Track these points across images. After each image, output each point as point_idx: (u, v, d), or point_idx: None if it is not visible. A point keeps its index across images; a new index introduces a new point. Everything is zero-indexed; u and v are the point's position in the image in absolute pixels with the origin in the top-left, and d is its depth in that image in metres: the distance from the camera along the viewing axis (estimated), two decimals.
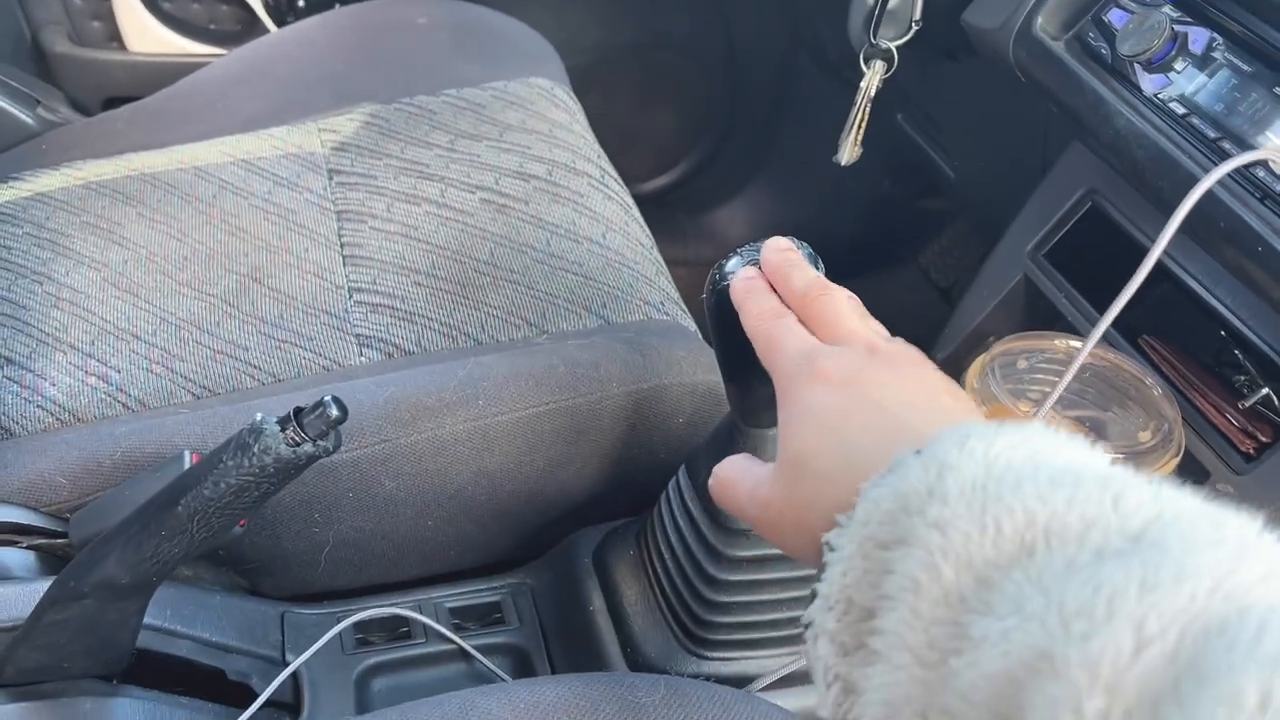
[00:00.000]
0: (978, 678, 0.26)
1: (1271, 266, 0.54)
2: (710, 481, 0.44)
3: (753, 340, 0.46)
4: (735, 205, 1.64)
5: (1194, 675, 0.23)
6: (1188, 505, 0.29)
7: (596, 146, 1.08)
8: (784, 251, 0.49)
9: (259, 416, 0.53)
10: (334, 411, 0.53)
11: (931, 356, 0.84)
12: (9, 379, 0.79)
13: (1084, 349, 0.56)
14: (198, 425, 0.72)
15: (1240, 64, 0.60)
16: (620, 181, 1.04)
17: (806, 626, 0.34)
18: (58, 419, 0.77)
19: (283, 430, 0.53)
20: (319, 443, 0.53)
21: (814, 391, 0.40)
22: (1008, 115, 0.84)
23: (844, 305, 0.45)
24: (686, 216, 1.64)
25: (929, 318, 1.50)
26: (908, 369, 0.41)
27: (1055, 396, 0.56)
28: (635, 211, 1.02)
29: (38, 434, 0.76)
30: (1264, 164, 0.54)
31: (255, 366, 0.81)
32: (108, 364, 0.81)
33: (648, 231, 1.00)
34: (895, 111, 1.14)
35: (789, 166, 1.57)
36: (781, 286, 0.48)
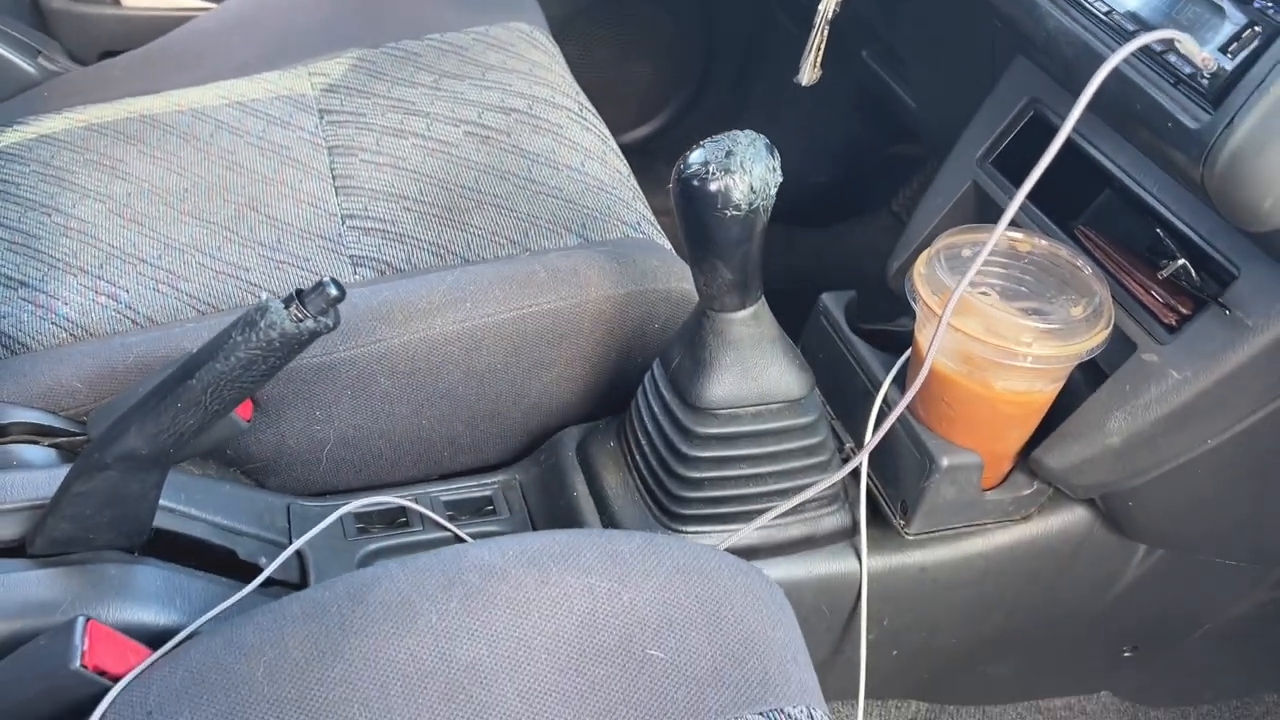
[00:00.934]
0: None
1: (1178, 140, 0.59)
2: None
3: None
4: None
5: None
6: None
7: (574, 84, 1.13)
8: None
9: (264, 296, 0.58)
10: (332, 290, 0.58)
11: (887, 265, 0.90)
12: (24, 300, 0.84)
13: (1001, 223, 0.62)
14: (206, 333, 0.77)
15: None
16: (597, 115, 1.10)
17: None
18: (71, 334, 0.82)
19: (287, 308, 0.58)
20: (319, 319, 0.58)
21: None
22: (960, 38, 0.89)
23: None
24: (666, 166, 1.68)
25: None
26: None
27: (977, 264, 0.62)
28: (612, 143, 1.07)
29: (53, 348, 0.81)
30: (1172, 47, 0.59)
31: (256, 285, 0.86)
32: (117, 284, 0.86)
33: (624, 160, 1.05)
34: (860, 48, 1.19)
35: (764, 116, 1.62)
36: None
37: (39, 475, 0.67)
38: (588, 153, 1.01)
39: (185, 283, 0.86)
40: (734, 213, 0.62)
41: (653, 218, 0.98)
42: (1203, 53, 0.58)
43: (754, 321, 0.69)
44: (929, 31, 0.97)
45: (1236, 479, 0.72)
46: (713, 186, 0.62)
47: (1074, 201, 0.77)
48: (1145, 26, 0.63)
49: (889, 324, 0.86)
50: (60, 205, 0.93)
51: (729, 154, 0.62)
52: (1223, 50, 0.59)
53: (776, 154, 0.63)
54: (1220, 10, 0.60)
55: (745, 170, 0.62)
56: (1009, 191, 0.80)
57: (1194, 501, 0.73)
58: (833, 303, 0.84)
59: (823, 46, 0.87)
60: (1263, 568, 0.83)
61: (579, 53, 1.55)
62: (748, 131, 0.64)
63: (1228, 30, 0.59)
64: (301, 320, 0.58)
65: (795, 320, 1.23)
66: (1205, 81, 0.59)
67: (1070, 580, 0.80)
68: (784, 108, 1.63)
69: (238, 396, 0.60)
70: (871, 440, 0.70)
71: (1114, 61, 0.57)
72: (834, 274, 1.63)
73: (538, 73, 1.10)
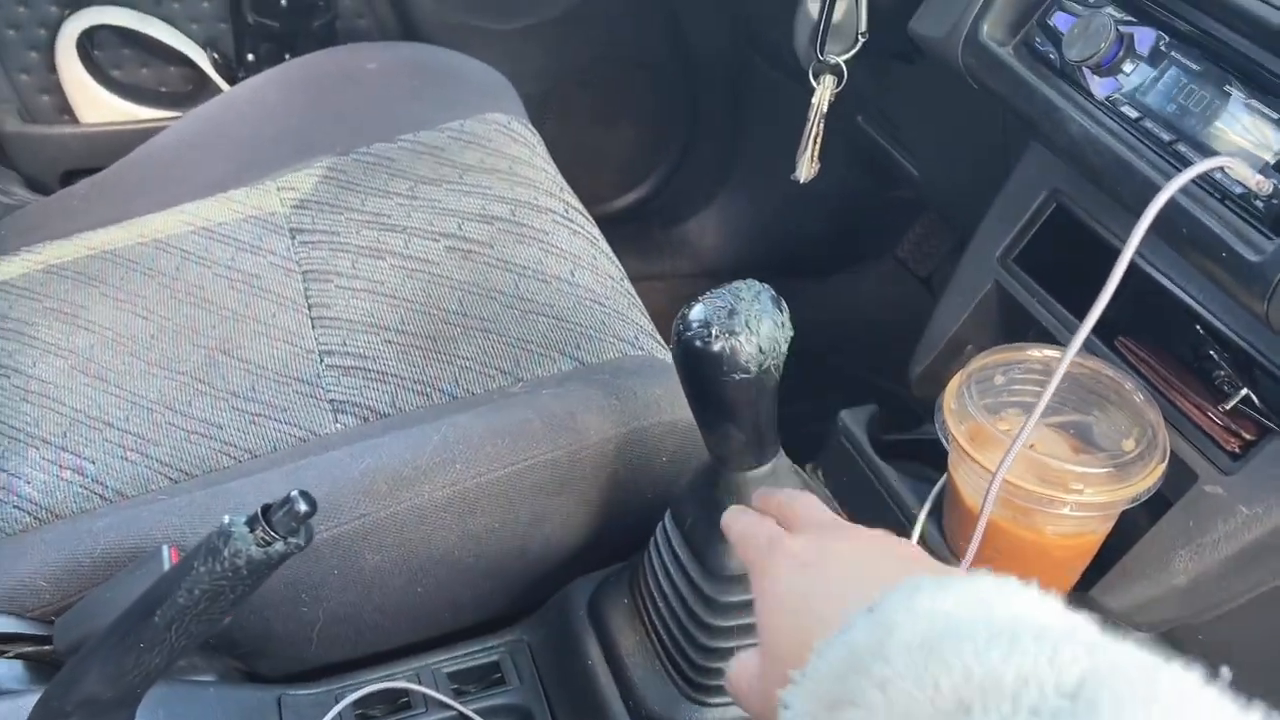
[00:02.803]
0: None
1: (1237, 270, 0.53)
2: (725, 681, 0.48)
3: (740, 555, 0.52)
4: (707, 214, 1.63)
5: None
6: (1124, 658, 0.28)
7: (559, 179, 1.07)
8: (761, 500, 0.55)
9: (226, 519, 0.52)
10: (302, 507, 0.52)
11: (909, 370, 0.83)
12: None
13: (1062, 363, 0.55)
14: (175, 516, 0.71)
15: (1189, 62, 0.59)
16: (585, 214, 1.04)
17: None
18: (35, 518, 0.76)
19: (251, 531, 0.52)
20: (289, 540, 0.52)
21: (782, 576, 0.44)
22: (965, 114, 0.83)
23: (811, 501, 0.51)
24: (659, 230, 1.63)
25: (911, 307, 1.49)
26: (863, 534, 0.45)
27: (1034, 419, 0.55)
28: (603, 244, 1.01)
29: (16, 535, 0.75)
30: (1221, 169, 0.53)
31: (230, 444, 0.80)
32: (82, 455, 0.80)
33: (617, 262, 0.99)
34: (855, 113, 1.13)
35: (755, 169, 1.56)
36: (765, 508, 0.54)
37: (3, 709, 0.61)
38: (577, 260, 0.95)
39: (155, 447, 0.80)
40: (742, 376, 0.56)
41: (651, 328, 0.92)
42: (1256, 175, 0.52)
43: (773, 477, 0.63)
44: (929, 105, 0.90)
45: None
46: (716, 348, 0.56)
47: (1113, 307, 0.71)
48: (1181, 136, 0.57)
49: (914, 433, 0.80)
50: (19, 365, 0.87)
51: (731, 312, 0.56)
52: (1276, 167, 0.52)
53: (784, 307, 0.57)
54: (1266, 118, 0.53)
55: (751, 330, 0.55)
56: (1033, 292, 0.74)
57: (1271, 635, 0.66)
58: (852, 421, 0.77)
59: (819, 140, 0.81)
60: None
61: (558, 125, 1.50)
62: (750, 283, 0.57)
63: (1277, 142, 0.53)
64: (269, 544, 0.52)
65: (804, 391, 1.17)
66: (1261, 205, 0.52)
67: None
68: (774, 159, 1.57)
69: (206, 629, 0.54)
70: None
71: (1167, 194, 0.51)
72: (838, 328, 1.56)
73: (518, 170, 1.04)
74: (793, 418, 0.91)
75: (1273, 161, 0.53)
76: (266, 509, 0.52)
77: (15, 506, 0.77)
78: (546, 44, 1.40)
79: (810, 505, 0.51)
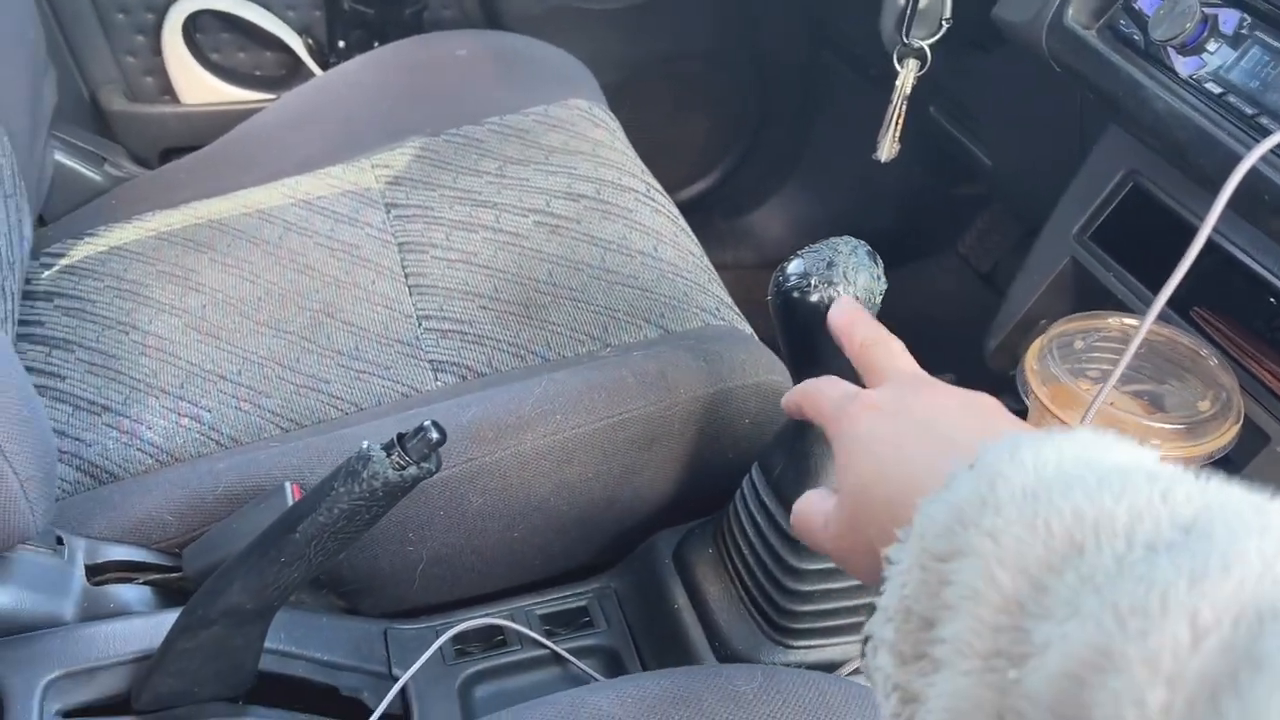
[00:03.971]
0: (1043, 680, 0.27)
1: None
2: (791, 518, 0.47)
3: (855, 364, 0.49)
4: (771, 206, 1.66)
5: (1250, 663, 0.24)
6: (1234, 495, 0.29)
7: (639, 162, 1.11)
8: (848, 310, 0.52)
9: (365, 444, 0.57)
10: (434, 435, 0.56)
11: (984, 344, 0.86)
12: (108, 425, 0.84)
13: (1142, 327, 0.58)
14: (292, 457, 0.76)
15: (1272, 41, 0.62)
16: (665, 193, 1.08)
17: (865, 640, 0.35)
18: (158, 460, 0.82)
19: (388, 455, 0.56)
20: (422, 465, 0.57)
21: (863, 422, 0.42)
22: (1041, 101, 0.86)
23: (895, 349, 0.48)
24: (724, 221, 1.67)
25: (972, 302, 1.51)
26: (952, 391, 0.43)
27: (1116, 375, 0.58)
28: (682, 222, 1.05)
29: (140, 475, 0.80)
30: None
31: (338, 398, 0.85)
32: (199, 405, 0.85)
33: (696, 240, 1.03)
34: (928, 104, 1.16)
35: (820, 165, 1.59)
36: (846, 339, 0.51)
37: (140, 624, 0.66)
38: (659, 236, 0.99)
39: (266, 399, 0.85)
40: None
41: (730, 301, 0.96)
42: None
43: None
44: (1006, 93, 0.94)
45: None
46: (814, 298, 0.60)
47: (1189, 279, 0.73)
48: (1264, 110, 0.60)
49: None
50: (137, 322, 0.93)
51: (830, 264, 0.60)
52: None
53: (879, 260, 0.61)
54: None
55: (849, 280, 0.59)
56: (1109, 267, 0.77)
57: None
58: None
59: (902, 121, 0.84)
60: None
61: (632, 114, 1.54)
62: (848, 239, 0.61)
63: None
64: (404, 468, 0.57)
65: None
66: None
67: None
68: (840, 154, 1.61)
69: (341, 547, 0.58)
70: None
71: (1250, 161, 0.54)
72: (902, 324, 1.60)
73: (601, 152, 1.09)
74: None
75: None
76: (401, 436, 0.57)
77: (139, 450, 0.82)
78: (625, 34, 1.45)
79: (894, 353, 0.48)
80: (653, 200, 1.04)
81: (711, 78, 1.57)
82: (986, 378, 0.84)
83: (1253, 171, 0.59)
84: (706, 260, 1.01)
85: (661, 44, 1.48)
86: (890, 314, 1.82)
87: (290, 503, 0.68)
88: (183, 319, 0.93)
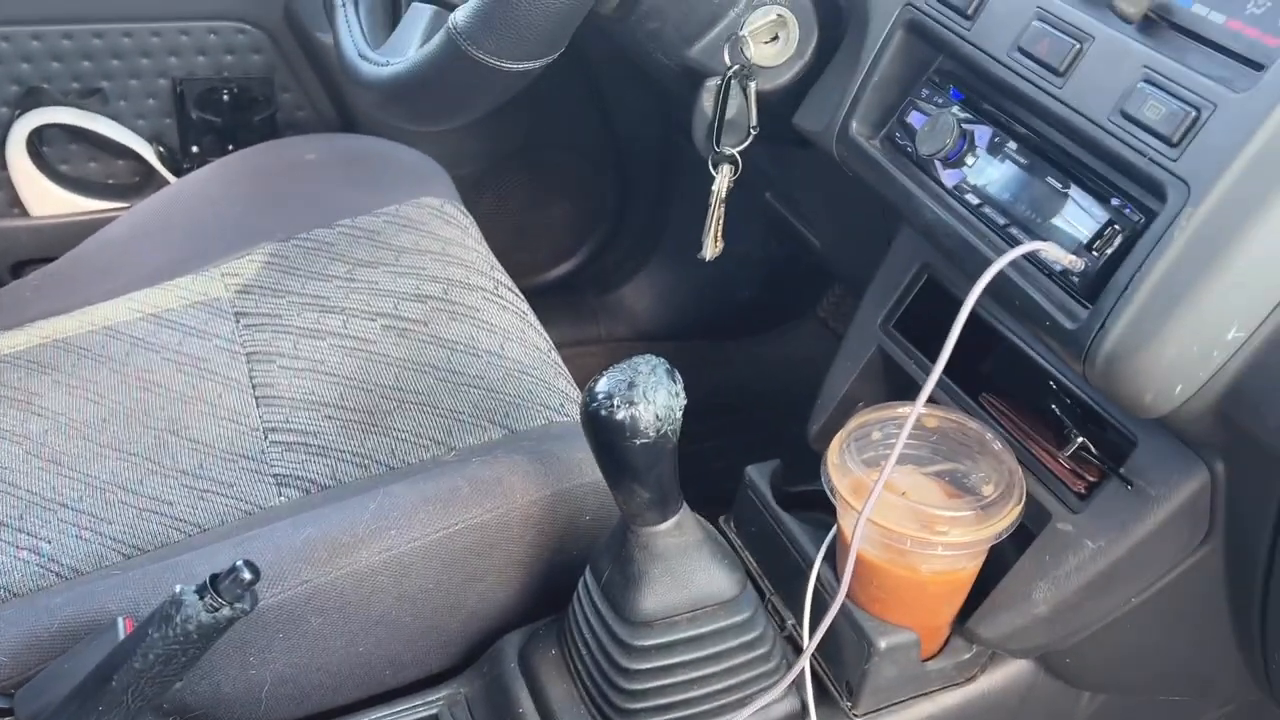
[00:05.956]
0: None
1: (1058, 336, 0.62)
2: None
3: None
4: (639, 281, 1.71)
5: None
6: None
7: (490, 258, 1.14)
8: None
9: (178, 588, 0.58)
10: (246, 575, 0.58)
11: (808, 428, 0.91)
12: None
13: (910, 416, 0.63)
14: (129, 589, 0.76)
15: (1019, 158, 0.68)
16: (515, 290, 1.11)
17: None
18: None
19: (201, 598, 0.57)
20: (235, 605, 0.58)
21: None
22: (852, 195, 0.92)
23: None
24: (595, 297, 1.71)
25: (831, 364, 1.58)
26: None
27: (890, 466, 0.63)
28: (532, 318, 1.08)
29: None
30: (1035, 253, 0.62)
31: (181, 519, 0.85)
32: (38, 536, 0.84)
33: (545, 335, 1.06)
34: (763, 190, 1.22)
35: (682, 239, 1.64)
36: None
37: None
38: (506, 334, 1.02)
39: (108, 525, 0.85)
40: (643, 440, 0.63)
41: (577, 395, 0.99)
42: (1069, 255, 0.61)
43: (678, 531, 0.69)
44: (824, 186, 1.00)
45: (1167, 627, 0.73)
46: (619, 416, 0.63)
47: (980, 366, 0.79)
48: (1014, 221, 0.65)
49: (815, 484, 0.87)
50: None
51: (631, 385, 0.63)
52: (1088, 247, 0.61)
53: (678, 378, 0.64)
54: (1081, 205, 0.62)
55: (649, 400, 0.63)
56: (912, 355, 0.82)
57: (1130, 652, 0.74)
58: (758, 475, 0.85)
59: (721, 221, 0.89)
60: (1208, 699, 0.84)
61: (495, 203, 1.58)
62: (648, 358, 0.65)
63: (1093, 225, 0.62)
64: (217, 609, 0.58)
65: (734, 445, 1.24)
66: (1076, 280, 0.61)
67: None
68: (700, 229, 1.67)
69: (160, 690, 0.59)
70: (810, 643, 0.70)
71: (991, 273, 0.59)
72: (765, 385, 1.65)
73: (451, 250, 1.12)
74: (724, 471, 0.97)
75: (1086, 242, 0.62)
76: (214, 578, 0.58)
77: None
78: (481, 128, 1.49)
79: None
80: (500, 298, 1.07)
81: (570, 164, 1.62)
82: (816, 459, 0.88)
83: (1006, 278, 0.65)
84: (555, 354, 1.04)
85: (517, 136, 1.52)
86: (759, 376, 1.88)
87: (121, 638, 0.68)
88: (23, 446, 0.92)
